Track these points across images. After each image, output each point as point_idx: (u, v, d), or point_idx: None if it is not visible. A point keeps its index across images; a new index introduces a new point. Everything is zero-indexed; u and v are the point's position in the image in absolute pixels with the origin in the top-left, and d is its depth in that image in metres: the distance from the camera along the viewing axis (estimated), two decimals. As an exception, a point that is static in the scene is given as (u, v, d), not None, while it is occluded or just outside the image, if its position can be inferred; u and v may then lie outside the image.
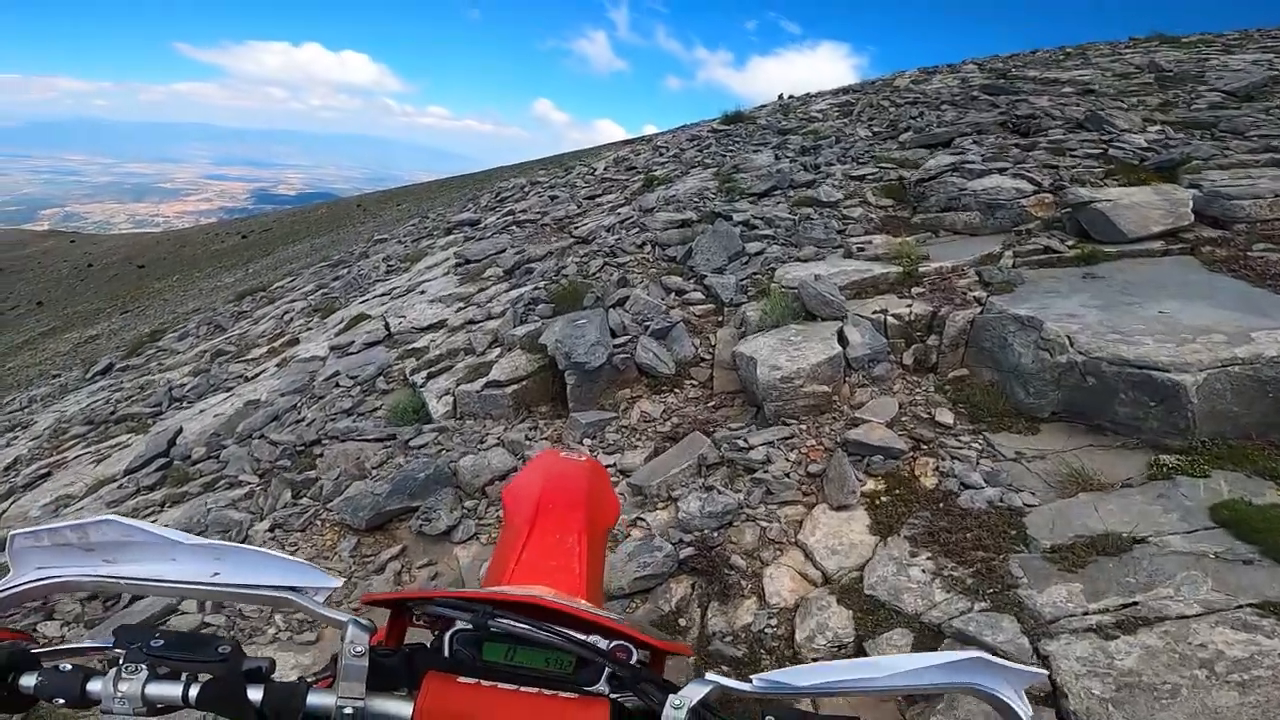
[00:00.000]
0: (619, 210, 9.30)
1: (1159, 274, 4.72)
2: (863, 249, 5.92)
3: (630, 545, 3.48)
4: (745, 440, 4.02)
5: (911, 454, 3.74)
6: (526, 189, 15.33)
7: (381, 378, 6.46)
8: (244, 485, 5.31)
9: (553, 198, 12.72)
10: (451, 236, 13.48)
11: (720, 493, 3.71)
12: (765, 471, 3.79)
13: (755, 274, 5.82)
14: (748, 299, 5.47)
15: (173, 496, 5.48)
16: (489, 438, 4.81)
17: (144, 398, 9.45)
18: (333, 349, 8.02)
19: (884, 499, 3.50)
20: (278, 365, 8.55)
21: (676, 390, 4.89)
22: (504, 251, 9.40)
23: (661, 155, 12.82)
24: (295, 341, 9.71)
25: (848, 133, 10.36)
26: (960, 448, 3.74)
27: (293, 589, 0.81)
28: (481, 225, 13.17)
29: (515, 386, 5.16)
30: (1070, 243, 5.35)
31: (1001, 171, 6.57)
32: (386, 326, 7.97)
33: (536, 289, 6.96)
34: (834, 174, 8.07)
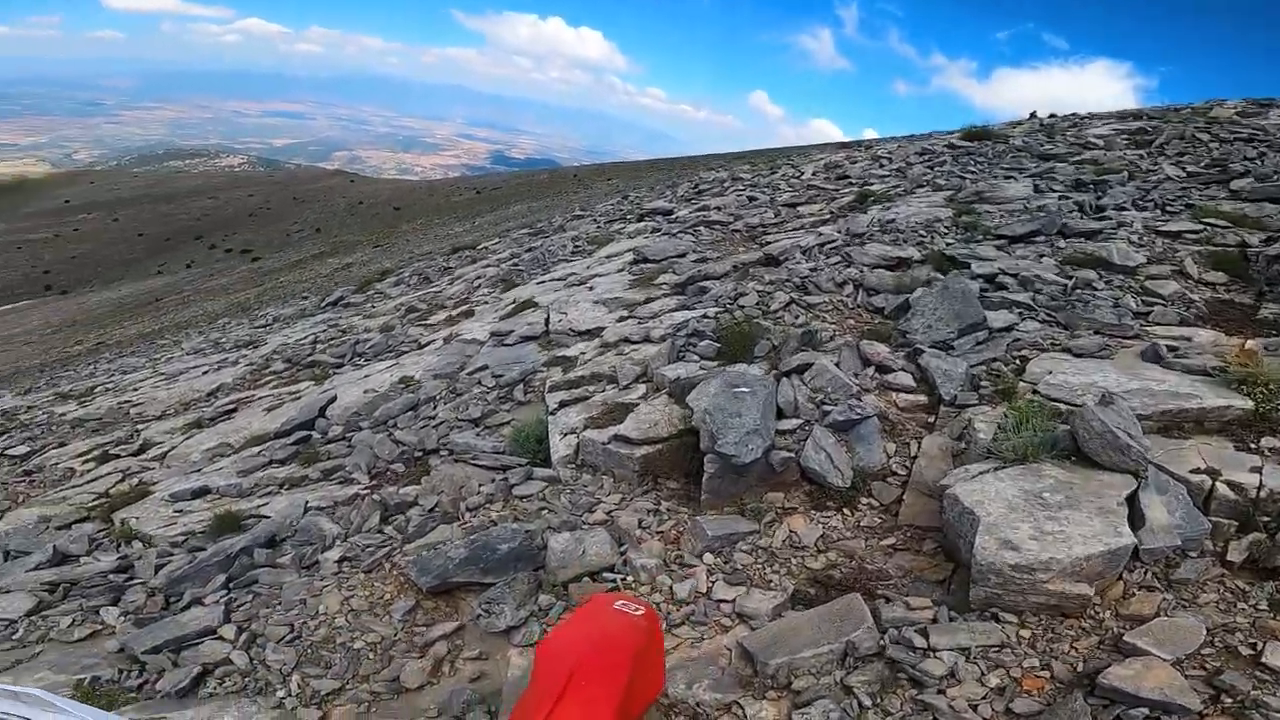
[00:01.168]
0: (821, 229, 7.75)
1: None
2: (1177, 351, 3.95)
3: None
4: (925, 636, 2.61)
5: (1201, 713, 2.19)
6: (726, 184, 14.09)
7: (522, 385, 5.77)
8: (354, 485, 4.86)
9: (750, 198, 11.36)
10: (642, 224, 12.70)
11: (862, 710, 2.44)
12: (940, 694, 2.42)
13: (996, 361, 4.13)
14: (979, 399, 3.83)
15: (293, 479, 5.20)
16: (598, 509, 3.81)
17: (338, 345, 9.83)
18: (493, 334, 7.55)
19: None
20: (444, 340, 8.31)
21: (845, 510, 3.49)
22: (684, 256, 8.31)
23: (882, 167, 10.86)
24: (471, 313, 9.52)
25: (1146, 169, 7.76)
26: None
27: None
28: (674, 216, 12.21)
29: (647, 449, 4.06)
30: None
31: None
32: (547, 320, 7.32)
33: (705, 317, 5.78)
34: (1131, 224, 5.85)
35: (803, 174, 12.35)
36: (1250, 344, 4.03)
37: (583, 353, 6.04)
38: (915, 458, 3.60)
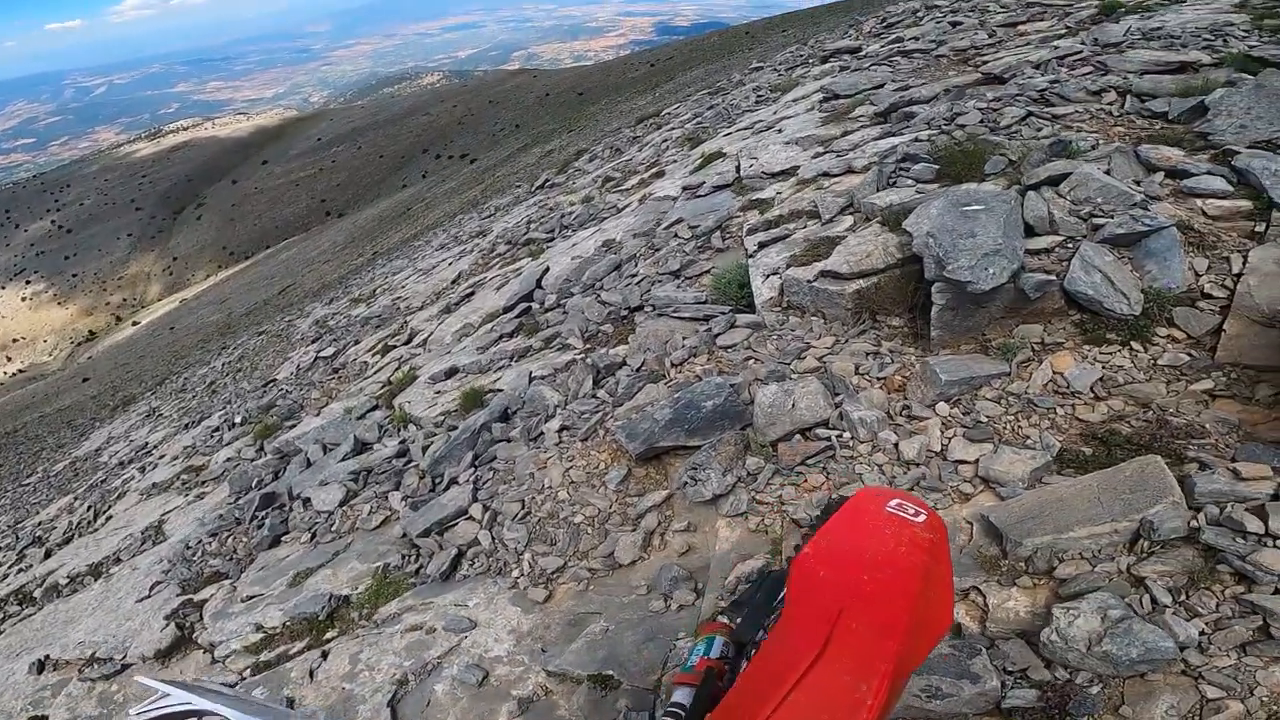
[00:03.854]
0: (1057, 44, 5.99)
1: None
2: None
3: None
4: (1265, 516, 1.84)
5: None
6: (919, 13, 11.57)
7: (718, 232, 5.35)
8: (570, 350, 4.87)
9: (954, 24, 9.17)
10: (827, 65, 11.02)
11: (1157, 609, 1.77)
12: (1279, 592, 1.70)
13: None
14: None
15: (519, 350, 5.33)
16: (809, 354, 3.30)
17: (546, 222, 10.06)
18: (684, 189, 7.11)
19: None
20: (639, 201, 8.04)
21: (1135, 345, 2.59)
22: (881, 87, 6.95)
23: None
24: (661, 174, 9.15)
25: None
26: None
27: None
28: (862, 54, 10.35)
29: (861, 283, 3.42)
30: None
31: None
32: (737, 168, 6.66)
33: (916, 140, 4.76)
34: None
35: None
36: None
37: (779, 193, 5.37)
38: (1240, 275, 2.57)
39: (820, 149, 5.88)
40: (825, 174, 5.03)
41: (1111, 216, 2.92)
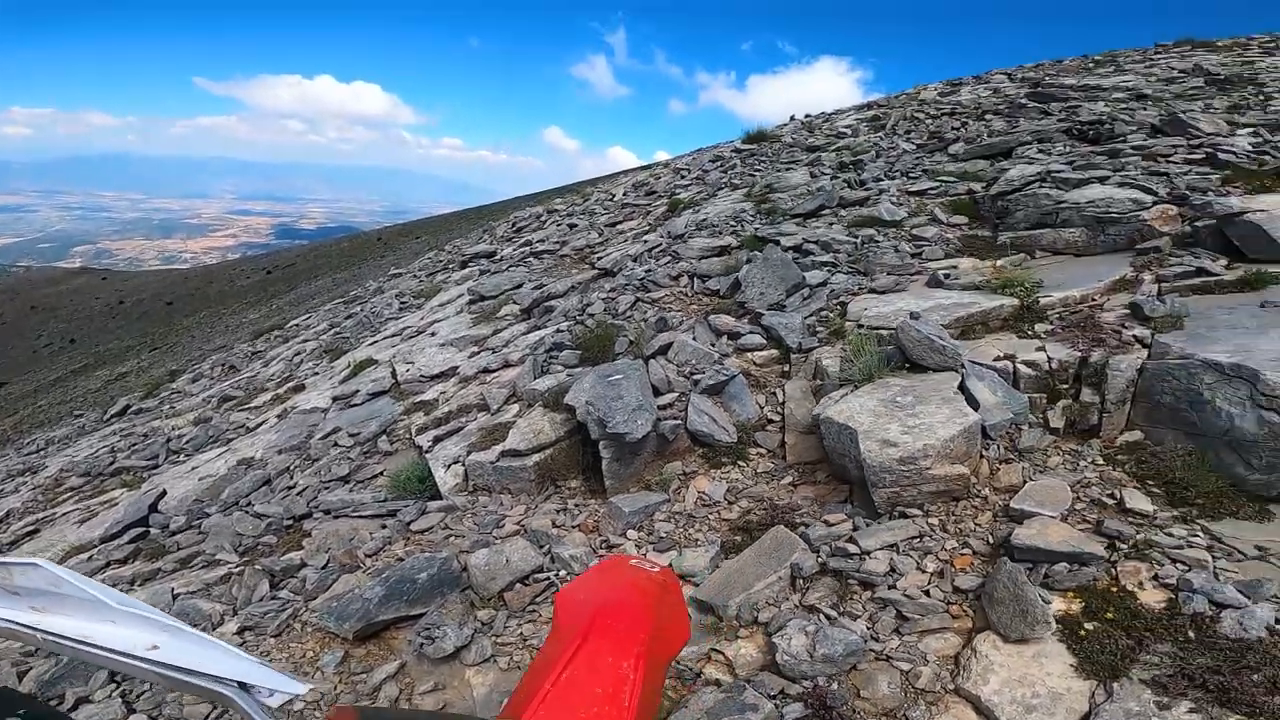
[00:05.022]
0: (645, 238, 8.17)
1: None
2: (950, 275, 4.71)
3: (708, 697, 2.38)
4: (855, 542, 2.84)
5: (1109, 559, 2.53)
6: (543, 218, 14.31)
7: (384, 436, 5.48)
8: (222, 566, 4.26)
9: (571, 226, 11.65)
10: (467, 270, 12.46)
11: (832, 620, 2.57)
12: (893, 588, 2.64)
13: (822, 310, 4.63)
14: (819, 342, 4.27)
15: (143, 574, 4.45)
16: (507, 521, 3.71)
17: (144, 448, 8.50)
18: (335, 399, 7.03)
19: (1088, 626, 2.32)
20: (279, 417, 7.53)
21: (741, 463, 3.70)
22: (521, 286, 8.29)
23: (683, 178, 11.73)
24: (301, 388, 8.77)
25: (887, 146, 9.20)
26: (1178, 545, 2.54)
27: (240, 685, 0.70)
28: (498, 257, 12.13)
29: (538, 456, 4.02)
30: (1222, 263, 4.13)
31: (1103, 181, 5.36)
32: (394, 374, 6.96)
33: (559, 331, 5.83)
34: (888, 190, 6.89)
35: (615, 196, 12.93)
36: (999, 262, 4.96)
37: (443, 392, 5.85)
38: (784, 403, 3.91)
39: (476, 348, 6.65)
40: (486, 370, 5.73)
41: (704, 373, 4.13)
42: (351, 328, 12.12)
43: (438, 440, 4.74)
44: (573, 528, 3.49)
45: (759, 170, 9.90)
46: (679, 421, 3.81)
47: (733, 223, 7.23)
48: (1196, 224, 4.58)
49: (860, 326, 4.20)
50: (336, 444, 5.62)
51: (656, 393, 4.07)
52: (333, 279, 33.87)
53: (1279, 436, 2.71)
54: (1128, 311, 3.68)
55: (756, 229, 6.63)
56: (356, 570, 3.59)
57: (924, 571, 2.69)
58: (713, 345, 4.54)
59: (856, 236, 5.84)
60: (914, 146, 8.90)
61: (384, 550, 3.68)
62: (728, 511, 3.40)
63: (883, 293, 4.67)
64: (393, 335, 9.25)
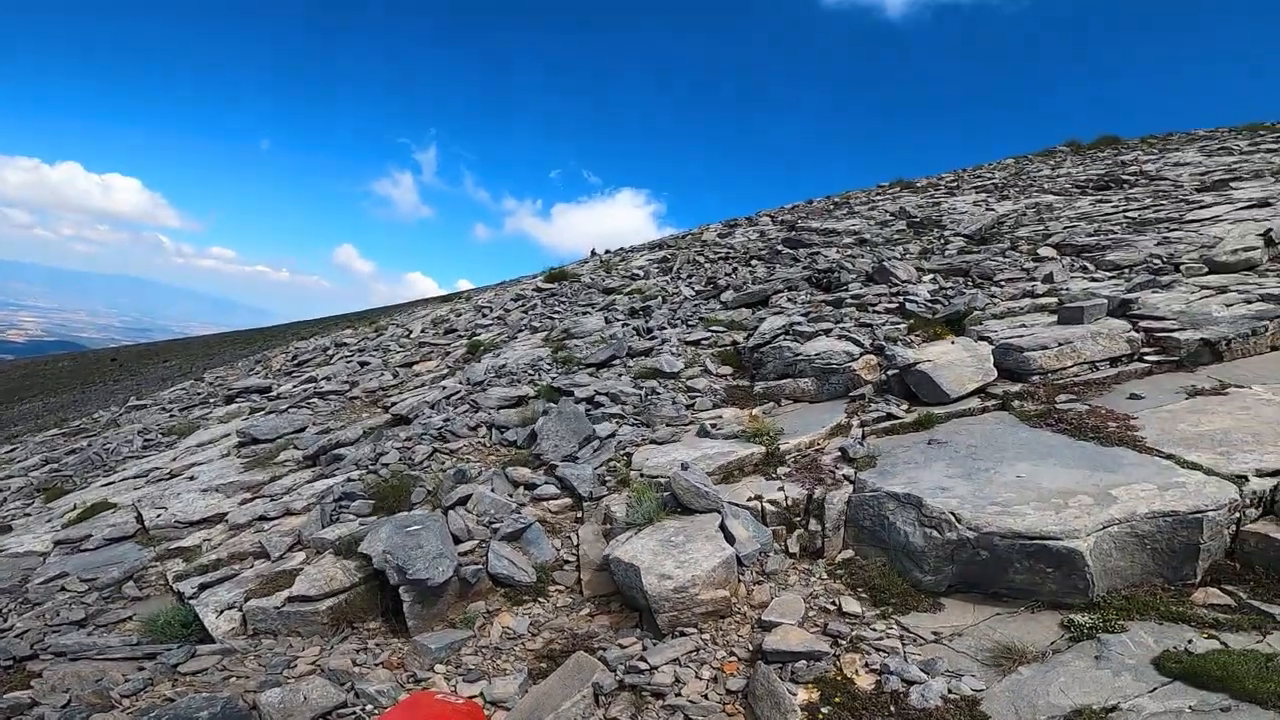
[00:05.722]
0: (444, 383, 8.43)
1: (991, 434, 4.92)
2: (716, 425, 5.67)
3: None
4: (645, 660, 3.35)
5: (834, 653, 3.29)
6: (330, 351, 13.81)
7: (131, 583, 5.04)
8: None
9: (363, 364, 11.45)
10: (234, 406, 11.44)
11: None
12: (679, 695, 3.17)
13: (611, 461, 5.26)
14: (608, 491, 4.85)
15: None
16: (299, 662, 3.68)
17: None
18: (59, 543, 6.17)
19: (824, 711, 2.98)
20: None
21: (542, 599, 4.06)
22: (304, 430, 7.94)
23: (485, 316, 12.32)
24: (8, 529, 7.33)
25: (671, 292, 10.72)
26: (880, 637, 3.39)
27: None
28: (275, 394, 11.37)
29: (332, 601, 4.05)
30: (904, 406, 5.54)
31: (827, 333, 6.90)
32: (140, 519, 6.26)
33: (350, 480, 5.74)
34: (669, 339, 8.05)
35: (411, 332, 13.02)
36: (754, 411, 6.07)
37: (207, 539, 5.50)
38: (578, 545, 4.35)
39: (249, 494, 6.24)
40: (263, 518, 5.46)
41: (502, 521, 4.45)
42: (76, 465, 10.38)
43: (205, 587, 4.52)
44: (376, 665, 3.57)
45: (558, 313, 10.84)
46: (480, 566, 4.08)
47: (531, 371, 7.84)
48: (890, 372, 6.08)
49: (642, 475, 4.86)
50: (64, 589, 5.09)
51: (457, 541, 4.27)
52: (45, 404, 28.24)
53: (939, 547, 3.74)
54: (840, 454, 4.80)
55: (553, 379, 7.29)
56: (112, 710, 3.38)
57: (701, 679, 3.24)
58: (510, 496, 4.89)
59: (642, 388, 6.73)
60: (694, 292, 10.50)
61: (147, 689, 3.53)
62: (532, 642, 3.71)
63: (662, 443, 5.45)
64: (135, 476, 8.18)
